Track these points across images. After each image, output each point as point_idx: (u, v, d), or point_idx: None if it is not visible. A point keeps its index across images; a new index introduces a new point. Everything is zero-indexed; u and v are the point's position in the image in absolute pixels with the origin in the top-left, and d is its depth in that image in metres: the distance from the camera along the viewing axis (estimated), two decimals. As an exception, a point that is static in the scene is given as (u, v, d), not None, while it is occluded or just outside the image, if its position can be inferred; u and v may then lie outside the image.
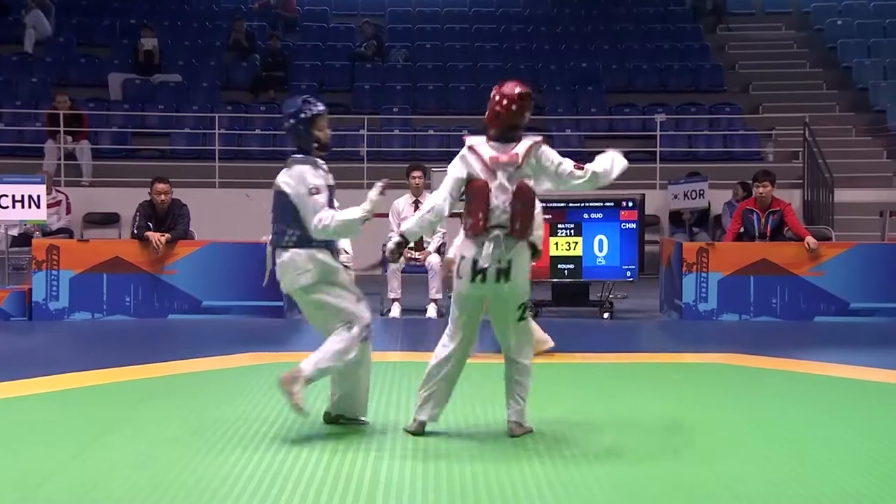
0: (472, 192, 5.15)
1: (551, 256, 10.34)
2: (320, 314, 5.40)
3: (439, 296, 10.55)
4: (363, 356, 5.40)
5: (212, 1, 21.14)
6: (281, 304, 10.12)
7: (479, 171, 5.12)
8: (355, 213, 5.22)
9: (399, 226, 8.61)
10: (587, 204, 10.42)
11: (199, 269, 10.23)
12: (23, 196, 10.32)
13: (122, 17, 19.88)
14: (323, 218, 5.18)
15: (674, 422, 5.87)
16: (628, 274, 10.42)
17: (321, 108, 5.36)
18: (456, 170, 5.22)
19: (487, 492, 4.45)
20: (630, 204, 10.46)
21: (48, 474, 4.70)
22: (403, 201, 10.85)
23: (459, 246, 5.32)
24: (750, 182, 13.61)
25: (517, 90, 5.19)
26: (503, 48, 19.65)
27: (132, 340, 9.12)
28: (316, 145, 5.35)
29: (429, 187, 11.24)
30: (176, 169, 14.08)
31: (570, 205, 10.44)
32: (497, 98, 5.22)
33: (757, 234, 10.60)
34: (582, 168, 5.22)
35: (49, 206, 11.49)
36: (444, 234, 10.99)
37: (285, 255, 5.32)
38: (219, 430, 5.51)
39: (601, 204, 10.39)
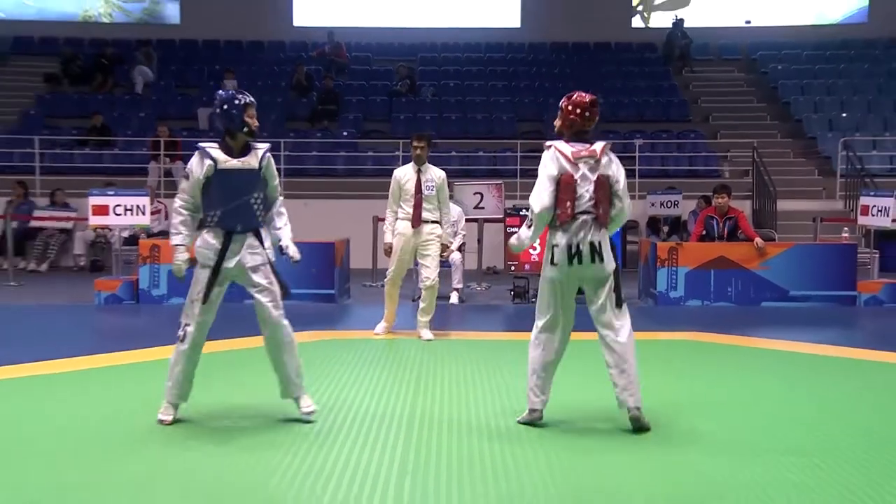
0: (560, 185, 4.71)
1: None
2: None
3: (461, 285, 10.51)
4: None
5: (279, 50, 21.16)
6: (333, 291, 10.12)
7: (566, 166, 4.75)
8: (174, 239, 4.79)
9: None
10: (579, 211, 10.34)
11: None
12: (132, 206, 10.36)
13: (209, 64, 19.95)
14: (179, 203, 4.81)
15: (651, 388, 5.82)
16: (612, 268, 10.35)
17: (251, 99, 4.88)
18: (549, 168, 4.75)
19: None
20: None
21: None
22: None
23: (548, 237, 4.81)
24: (710, 194, 13.61)
25: (588, 98, 4.87)
26: (511, 86, 19.59)
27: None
28: (245, 130, 4.81)
29: (451, 197, 11.20)
30: (251, 184, 14.07)
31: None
32: (570, 107, 4.86)
33: (716, 235, 10.52)
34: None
35: (152, 213, 11.53)
36: (464, 234, 10.95)
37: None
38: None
39: (590, 211, 10.30)
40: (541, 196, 4.74)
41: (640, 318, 9.67)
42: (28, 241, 14.15)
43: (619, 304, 4.80)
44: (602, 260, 4.74)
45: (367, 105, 18.75)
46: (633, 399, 4.70)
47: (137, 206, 10.36)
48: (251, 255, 4.83)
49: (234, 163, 4.79)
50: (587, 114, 4.85)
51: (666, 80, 19.95)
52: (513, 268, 10.53)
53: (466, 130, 17.95)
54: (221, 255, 4.78)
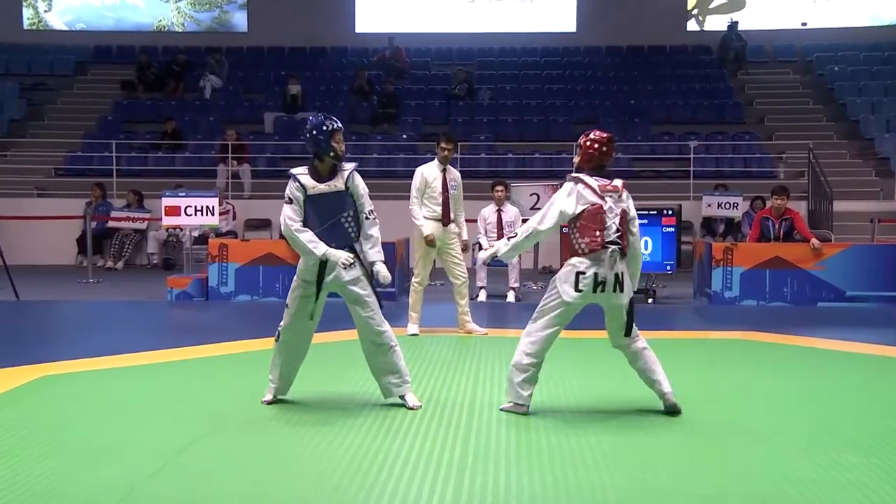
0: (590, 216, 4.77)
1: (605, 253, 10.25)
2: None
3: (517, 284, 10.50)
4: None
5: (341, 56, 21.37)
6: (394, 290, 10.18)
7: (593, 198, 4.79)
8: (318, 249, 4.87)
9: (486, 231, 8.58)
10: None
11: (332, 262, 10.35)
12: (202, 206, 10.56)
13: (275, 70, 20.25)
14: (292, 226, 4.91)
15: (707, 384, 5.76)
16: (668, 268, 10.27)
17: (339, 124, 5.06)
18: (566, 202, 4.83)
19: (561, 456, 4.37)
20: (670, 212, 10.30)
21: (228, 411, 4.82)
22: (489, 210, 10.83)
23: (573, 263, 4.85)
24: (763, 195, 13.40)
25: (606, 135, 4.92)
26: (567, 89, 19.47)
27: (280, 316, 9.23)
28: (332, 154, 5.01)
29: (509, 199, 11.22)
30: (314, 185, 14.24)
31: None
32: (590, 143, 4.90)
33: (772, 236, 10.33)
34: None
35: (220, 214, 11.73)
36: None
37: None
38: (348, 386, 5.56)
39: (647, 212, 10.24)
40: (547, 219, 4.90)
41: (694, 318, 9.59)
42: (105, 241, 14.55)
43: (628, 333, 4.93)
44: (622, 290, 4.86)
45: (425, 108, 18.83)
46: (665, 385, 4.93)
47: (207, 207, 10.56)
48: (349, 272, 4.95)
49: (322, 187, 4.97)
50: (605, 149, 4.93)
51: (721, 83, 19.64)
52: (568, 267, 10.46)
53: (523, 133, 17.90)
54: (321, 272, 4.95)
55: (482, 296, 10.37)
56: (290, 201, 4.95)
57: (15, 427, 4.65)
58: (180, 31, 22.35)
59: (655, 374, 4.94)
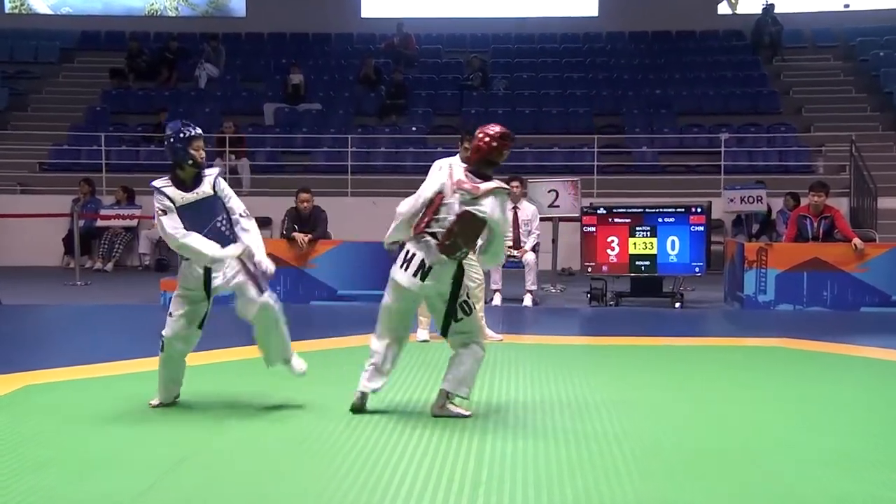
0: (436, 199, 5.06)
1: (630, 254, 10.26)
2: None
3: (535, 287, 10.49)
4: None
5: (346, 43, 21.42)
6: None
7: (445, 185, 5.04)
8: (211, 250, 5.11)
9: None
10: (662, 209, 10.31)
11: (335, 263, 10.39)
12: (196, 203, 10.58)
13: (276, 58, 20.31)
14: (177, 234, 5.10)
15: (739, 397, 5.74)
16: (696, 270, 10.24)
17: (198, 131, 5.22)
18: (429, 184, 5.15)
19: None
20: (699, 209, 10.27)
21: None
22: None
23: (408, 242, 5.14)
24: (797, 193, 13.36)
25: (499, 130, 5.03)
26: (588, 78, 19.45)
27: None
28: (191, 162, 5.16)
29: (526, 195, 11.21)
30: (316, 181, 14.29)
31: (647, 210, 10.37)
32: (480, 136, 5.04)
33: (810, 236, 10.29)
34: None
35: (216, 211, 11.74)
36: (538, 234, 10.94)
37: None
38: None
39: (674, 209, 10.25)
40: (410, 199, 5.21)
41: (726, 323, 9.58)
42: (94, 240, 14.62)
43: (443, 333, 5.19)
44: (431, 280, 5.02)
45: (436, 99, 18.85)
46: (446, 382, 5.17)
47: (203, 204, 10.57)
48: (229, 269, 5.22)
49: (190, 196, 5.18)
50: (494, 144, 5.03)
51: (755, 70, 19.57)
52: (590, 269, 10.47)
53: (540, 125, 17.88)
54: (207, 278, 5.21)
55: (497, 299, 10.37)
56: (165, 212, 5.15)
57: (-2, 439, 4.69)
58: (174, 15, 22.45)
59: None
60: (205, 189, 5.21)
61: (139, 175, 15.75)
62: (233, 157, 15.91)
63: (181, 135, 5.15)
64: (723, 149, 15.73)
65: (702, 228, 10.22)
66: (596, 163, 15.28)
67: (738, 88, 18.75)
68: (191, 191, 5.18)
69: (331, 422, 5.05)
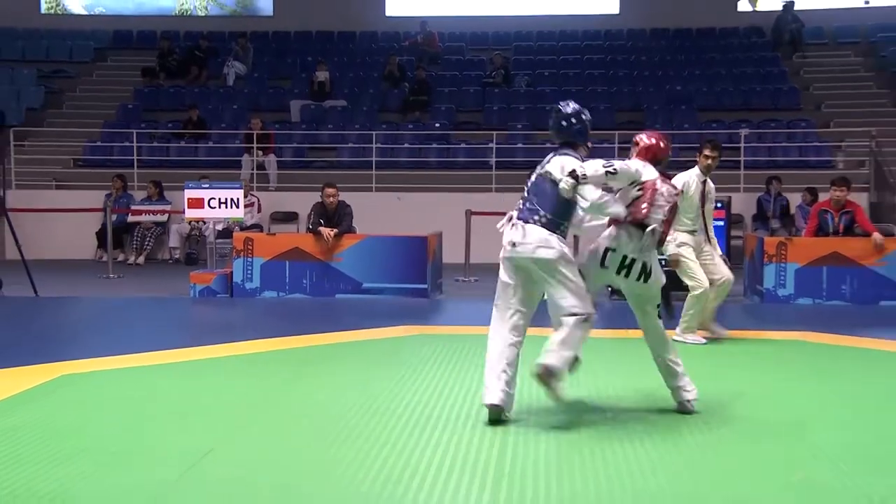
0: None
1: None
2: (559, 289, 4.83)
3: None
4: None
5: (371, 41, 21.40)
6: (426, 286, 10.18)
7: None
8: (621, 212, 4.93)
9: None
10: (682, 205, 10.19)
11: (360, 257, 10.35)
12: (226, 199, 10.61)
13: (302, 56, 20.31)
14: (603, 196, 4.82)
15: (760, 392, 5.67)
16: (716, 264, 10.12)
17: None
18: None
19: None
20: (719, 204, 10.14)
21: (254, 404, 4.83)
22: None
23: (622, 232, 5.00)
24: (815, 188, 13.20)
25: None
26: (609, 74, 19.32)
27: (307, 314, 9.30)
28: (589, 144, 5.19)
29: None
30: (342, 176, 14.29)
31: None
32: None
33: (831, 230, 10.16)
34: None
35: (245, 206, 11.78)
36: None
37: (531, 228, 4.83)
38: (376, 388, 5.57)
39: (694, 205, 10.13)
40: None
41: (746, 317, 9.47)
42: (125, 234, 14.70)
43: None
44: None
45: (459, 96, 18.78)
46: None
47: (231, 199, 10.61)
48: None
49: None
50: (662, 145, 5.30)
51: (775, 67, 19.34)
52: (611, 263, 10.38)
53: (562, 121, 17.76)
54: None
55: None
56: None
57: (32, 428, 4.71)
58: (203, 15, 22.51)
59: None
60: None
61: (170, 171, 15.85)
62: (260, 153, 15.93)
63: (583, 116, 5.13)
64: (743, 144, 15.59)
65: (722, 223, 10.12)
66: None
67: (758, 85, 18.55)
68: None
69: (363, 412, 5.03)
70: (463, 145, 16.93)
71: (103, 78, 20.05)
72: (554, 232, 4.83)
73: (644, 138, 5.31)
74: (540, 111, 18.00)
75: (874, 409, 5.29)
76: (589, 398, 5.41)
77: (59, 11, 22.45)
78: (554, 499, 3.69)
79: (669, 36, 21.03)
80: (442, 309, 9.84)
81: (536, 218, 4.86)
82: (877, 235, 9.83)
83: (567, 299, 4.79)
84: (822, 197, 11.80)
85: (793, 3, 20.11)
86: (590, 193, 4.76)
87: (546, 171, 4.97)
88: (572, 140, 5.10)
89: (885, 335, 7.82)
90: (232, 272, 10.42)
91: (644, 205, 4.92)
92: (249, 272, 10.36)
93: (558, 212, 4.88)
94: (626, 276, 4.97)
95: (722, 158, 16.77)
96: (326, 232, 10.25)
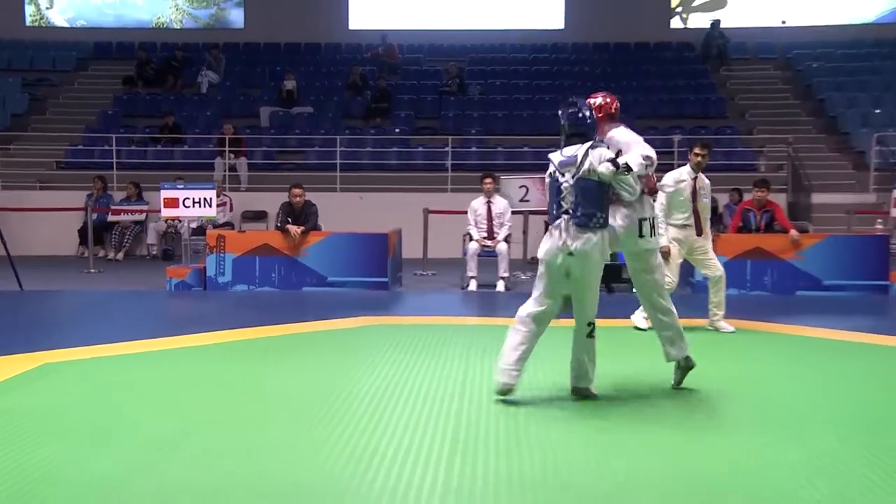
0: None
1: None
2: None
3: (507, 274, 10.49)
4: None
5: (335, 52, 21.27)
6: (386, 279, 10.17)
7: None
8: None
9: (476, 222, 8.64)
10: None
11: (325, 253, 10.32)
12: (200, 199, 10.52)
13: (271, 66, 20.13)
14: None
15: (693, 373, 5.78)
16: (651, 258, 10.24)
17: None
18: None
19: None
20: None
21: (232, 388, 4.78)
22: (478, 202, 10.78)
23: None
24: (741, 189, 13.42)
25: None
26: (555, 84, 19.41)
27: (276, 306, 9.24)
28: (601, 138, 5.19)
29: (498, 191, 11.20)
30: (308, 177, 14.17)
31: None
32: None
33: (754, 227, 10.35)
34: None
35: (218, 205, 11.69)
36: (510, 226, 10.93)
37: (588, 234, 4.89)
38: (343, 376, 5.55)
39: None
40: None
41: (679, 307, 9.55)
42: (106, 232, 14.48)
43: None
44: None
45: (418, 103, 18.76)
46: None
47: (205, 199, 10.52)
48: None
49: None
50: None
51: (704, 79, 19.63)
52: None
53: (512, 127, 17.85)
54: None
55: (473, 285, 10.37)
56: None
57: (17, 413, 4.63)
58: (178, 27, 22.19)
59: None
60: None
61: (147, 173, 15.63)
62: (232, 156, 15.78)
63: (589, 111, 5.12)
64: (676, 149, 15.77)
65: (656, 221, 10.23)
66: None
67: (690, 95, 18.82)
68: None
69: (329, 396, 5.02)
70: (421, 149, 16.93)
71: (85, 86, 19.70)
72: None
73: (593, 103, 5.35)
74: (492, 117, 18.11)
75: (782, 384, 5.41)
76: (536, 382, 5.45)
77: (42, 24, 22.00)
78: (503, 474, 3.72)
79: (610, 50, 21.22)
80: (401, 301, 9.82)
81: (593, 223, 4.90)
82: (794, 232, 10.03)
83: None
84: (747, 197, 12.00)
85: (719, 21, 20.43)
86: (635, 184, 5.02)
87: (588, 170, 4.93)
88: (586, 132, 5.09)
89: (797, 322, 8.00)
90: (205, 267, 10.32)
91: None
92: (222, 267, 10.27)
93: (605, 208, 4.98)
94: (640, 235, 5.15)
95: (658, 162, 16.84)
96: (294, 229, 10.20)
